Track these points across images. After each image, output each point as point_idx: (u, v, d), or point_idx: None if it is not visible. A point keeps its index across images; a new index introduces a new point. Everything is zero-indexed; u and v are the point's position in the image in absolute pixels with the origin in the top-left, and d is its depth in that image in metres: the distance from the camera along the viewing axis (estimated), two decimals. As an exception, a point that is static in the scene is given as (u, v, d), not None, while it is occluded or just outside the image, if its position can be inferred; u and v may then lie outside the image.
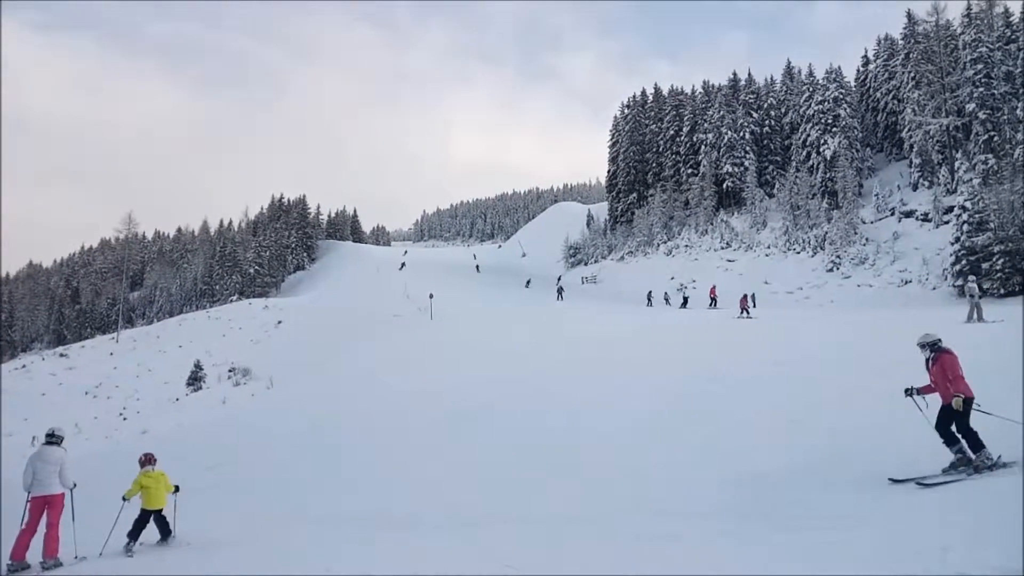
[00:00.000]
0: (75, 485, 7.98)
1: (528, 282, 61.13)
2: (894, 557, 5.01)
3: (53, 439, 8.00)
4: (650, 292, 43.03)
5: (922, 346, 7.69)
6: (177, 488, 8.54)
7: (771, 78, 66.70)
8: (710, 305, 36.22)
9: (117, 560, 7.71)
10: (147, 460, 8.53)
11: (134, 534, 8.03)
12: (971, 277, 25.36)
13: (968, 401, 7.15)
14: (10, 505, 10.10)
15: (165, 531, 8.33)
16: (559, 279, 57.97)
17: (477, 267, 67.85)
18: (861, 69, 61.83)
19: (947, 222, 37.93)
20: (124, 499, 8.29)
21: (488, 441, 13.20)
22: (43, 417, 29.34)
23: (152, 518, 8.26)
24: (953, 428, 7.20)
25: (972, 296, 20.27)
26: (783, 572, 5.09)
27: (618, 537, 6.68)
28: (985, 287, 30.90)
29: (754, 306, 32.57)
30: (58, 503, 7.64)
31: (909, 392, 7.71)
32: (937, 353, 7.48)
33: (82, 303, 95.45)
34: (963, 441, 7.15)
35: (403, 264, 74.47)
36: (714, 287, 38.08)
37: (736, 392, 13.65)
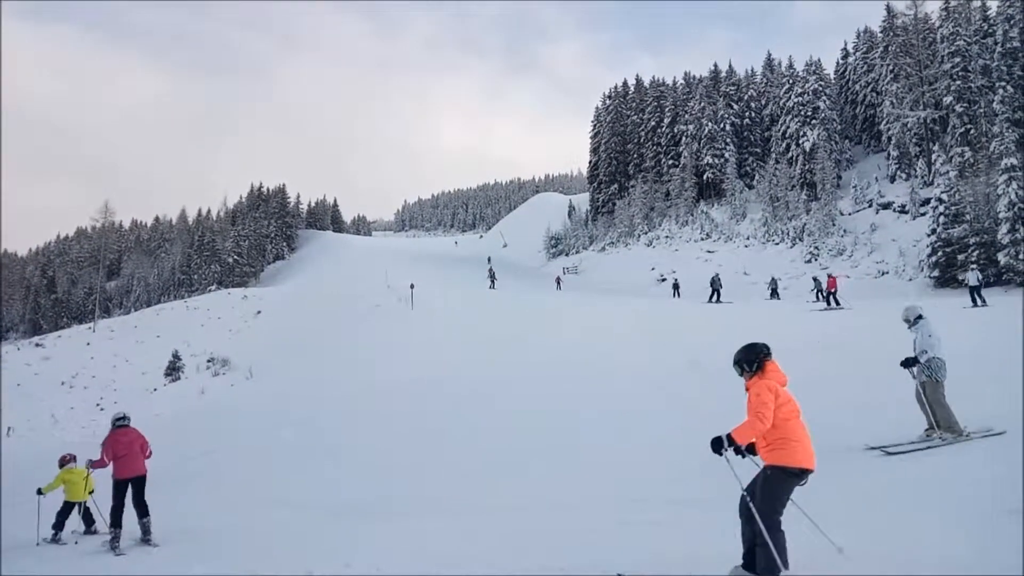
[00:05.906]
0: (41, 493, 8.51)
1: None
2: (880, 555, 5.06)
3: None
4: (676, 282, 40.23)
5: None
6: (92, 492, 8.76)
7: (751, 70, 67.10)
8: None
9: (65, 549, 7.98)
10: (68, 459, 8.92)
11: (59, 525, 8.31)
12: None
13: None
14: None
15: (89, 521, 8.66)
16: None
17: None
18: (840, 62, 62.30)
19: (924, 214, 38.42)
20: (40, 493, 8.55)
21: (469, 430, 13.20)
22: (19, 408, 28.97)
23: (76, 510, 8.59)
24: None
25: None
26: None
27: (601, 524, 6.71)
28: (960, 279, 31.31)
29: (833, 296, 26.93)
30: None
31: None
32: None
33: (58, 292, 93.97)
34: None
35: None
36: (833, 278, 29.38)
37: (716, 379, 13.73)
